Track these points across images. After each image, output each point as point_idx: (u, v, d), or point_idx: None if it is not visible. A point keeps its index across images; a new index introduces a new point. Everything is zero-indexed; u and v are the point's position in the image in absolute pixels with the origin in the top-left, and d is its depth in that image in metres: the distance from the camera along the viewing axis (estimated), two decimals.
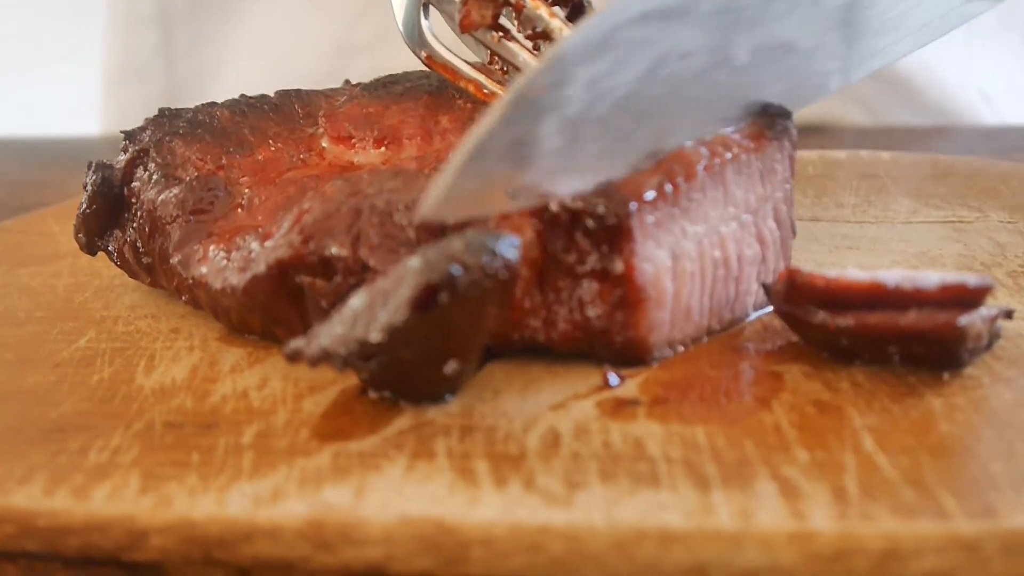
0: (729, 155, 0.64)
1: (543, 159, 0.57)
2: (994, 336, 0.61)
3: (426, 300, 0.55)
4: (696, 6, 0.59)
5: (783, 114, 0.68)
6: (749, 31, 0.63)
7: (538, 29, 0.68)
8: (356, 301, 0.58)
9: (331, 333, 0.57)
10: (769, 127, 0.67)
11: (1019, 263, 0.74)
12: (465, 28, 0.70)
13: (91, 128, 1.51)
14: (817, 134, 1.22)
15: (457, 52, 0.73)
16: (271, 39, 1.40)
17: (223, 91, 1.39)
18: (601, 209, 0.59)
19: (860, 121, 1.30)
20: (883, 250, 0.78)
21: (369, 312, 0.56)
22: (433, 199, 0.55)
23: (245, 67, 1.41)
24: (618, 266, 0.59)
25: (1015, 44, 1.32)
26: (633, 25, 0.56)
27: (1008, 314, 0.63)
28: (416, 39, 0.72)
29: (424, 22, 0.72)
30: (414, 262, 0.56)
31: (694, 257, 0.63)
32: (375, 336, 0.55)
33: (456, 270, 0.55)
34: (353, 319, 0.57)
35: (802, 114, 1.17)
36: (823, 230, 0.82)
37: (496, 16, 0.70)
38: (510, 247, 0.56)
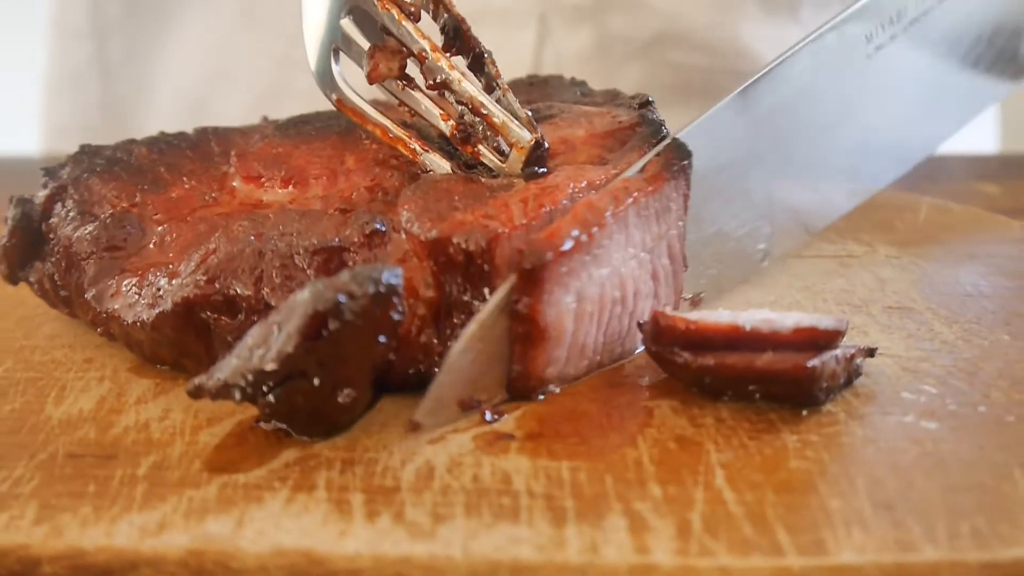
0: (631, 199, 0.67)
1: None
2: (854, 374, 0.65)
3: (315, 328, 0.59)
4: None
5: (681, 154, 0.71)
6: None
7: (439, 80, 0.72)
8: (251, 335, 0.61)
9: (229, 366, 0.61)
10: (666, 168, 0.70)
11: (896, 299, 0.78)
12: (373, 79, 0.74)
13: (31, 141, 1.53)
14: None
15: (369, 91, 0.76)
16: (209, 52, 1.42)
17: (161, 103, 1.42)
18: (520, 258, 0.63)
19: None
20: (771, 284, 0.82)
21: (264, 343, 0.60)
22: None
23: (182, 79, 1.43)
24: (523, 307, 0.63)
25: None
26: None
27: (870, 352, 0.67)
28: (328, 83, 0.75)
29: (335, 67, 0.75)
30: (303, 294, 0.60)
31: (595, 299, 0.67)
32: (270, 365, 0.59)
33: (342, 298, 0.59)
34: (249, 352, 0.60)
35: None
36: None
37: (402, 68, 0.74)
38: (393, 276, 0.60)
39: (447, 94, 0.73)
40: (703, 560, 0.51)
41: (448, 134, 0.73)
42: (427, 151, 0.73)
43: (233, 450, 0.61)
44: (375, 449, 0.61)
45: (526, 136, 0.71)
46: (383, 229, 0.66)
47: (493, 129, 0.71)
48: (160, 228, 0.73)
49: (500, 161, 0.72)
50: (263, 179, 0.76)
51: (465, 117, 0.72)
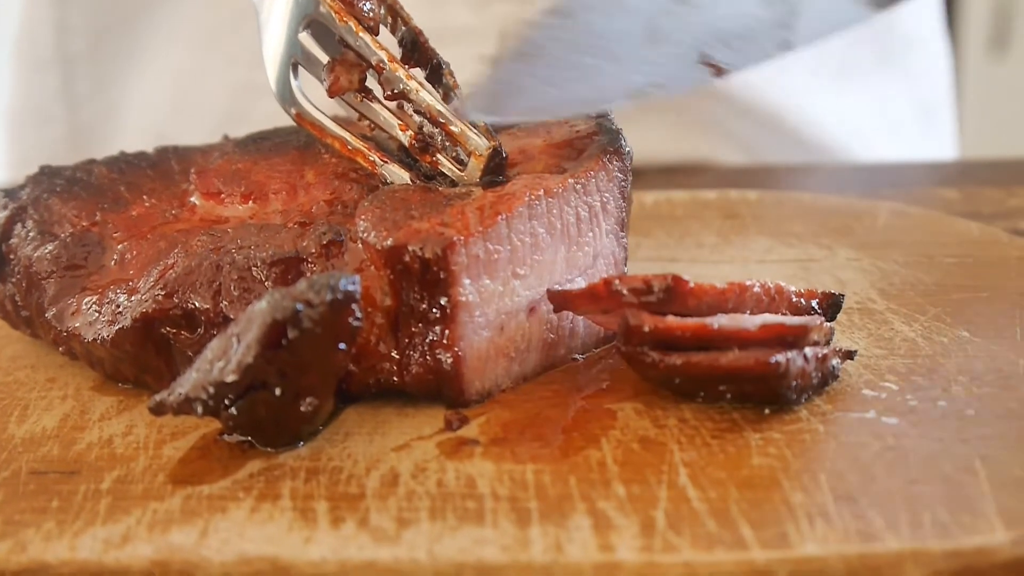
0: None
1: None
2: (829, 375, 0.65)
3: (274, 337, 0.59)
4: None
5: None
6: None
7: (397, 90, 0.72)
8: (211, 349, 0.61)
9: (190, 381, 0.61)
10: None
11: (856, 300, 0.78)
12: (333, 93, 0.74)
13: None
14: (692, 174, 1.26)
15: (329, 105, 0.76)
16: (173, 81, 1.42)
17: (126, 133, 1.42)
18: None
19: (736, 159, 1.34)
20: None
21: (224, 356, 0.60)
22: None
23: (147, 109, 1.43)
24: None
25: (888, 82, 1.36)
26: None
27: (848, 354, 0.67)
28: (287, 97, 0.75)
29: (294, 82, 0.75)
30: (261, 304, 0.60)
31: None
32: (230, 376, 0.59)
33: (300, 307, 0.59)
34: (209, 365, 0.60)
35: (677, 154, 1.22)
36: (681, 270, 0.86)
37: (362, 80, 0.74)
38: (350, 283, 0.60)
39: (406, 105, 0.73)
40: (667, 556, 0.51)
41: (407, 145, 0.73)
42: (386, 163, 0.73)
43: (197, 463, 0.61)
44: (339, 458, 0.61)
45: (484, 144, 0.71)
46: (340, 239, 0.66)
47: (451, 139, 0.71)
48: (120, 246, 0.73)
49: (459, 170, 0.72)
50: (223, 195, 0.76)
51: (424, 128, 0.72)
